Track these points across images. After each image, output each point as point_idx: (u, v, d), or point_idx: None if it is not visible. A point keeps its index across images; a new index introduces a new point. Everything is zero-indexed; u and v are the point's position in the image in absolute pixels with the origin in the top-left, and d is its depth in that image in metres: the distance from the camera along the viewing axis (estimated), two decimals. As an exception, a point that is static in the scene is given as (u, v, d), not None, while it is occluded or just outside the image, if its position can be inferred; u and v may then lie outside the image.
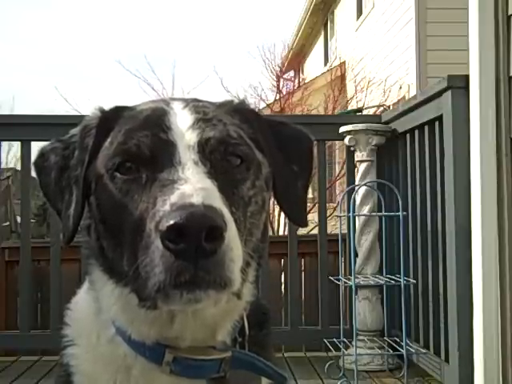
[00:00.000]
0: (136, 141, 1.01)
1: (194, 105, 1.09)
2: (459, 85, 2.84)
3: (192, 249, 0.86)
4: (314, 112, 10.09)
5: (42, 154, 1.13)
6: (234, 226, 0.93)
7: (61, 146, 1.12)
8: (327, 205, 4.23)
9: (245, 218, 1.01)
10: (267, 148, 1.12)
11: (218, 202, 0.91)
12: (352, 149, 3.81)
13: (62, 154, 1.10)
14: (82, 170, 1.06)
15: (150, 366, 1.04)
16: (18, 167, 6.33)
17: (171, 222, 0.86)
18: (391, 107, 7.69)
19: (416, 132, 3.46)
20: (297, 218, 1.15)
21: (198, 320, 1.02)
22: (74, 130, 1.14)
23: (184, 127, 1.03)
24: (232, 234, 0.91)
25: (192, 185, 0.92)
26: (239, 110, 1.14)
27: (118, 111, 1.11)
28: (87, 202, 1.08)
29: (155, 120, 1.04)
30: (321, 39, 17.43)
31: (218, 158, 1.01)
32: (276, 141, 1.15)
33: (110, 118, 1.10)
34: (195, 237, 0.86)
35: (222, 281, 0.90)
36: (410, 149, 3.57)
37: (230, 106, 1.15)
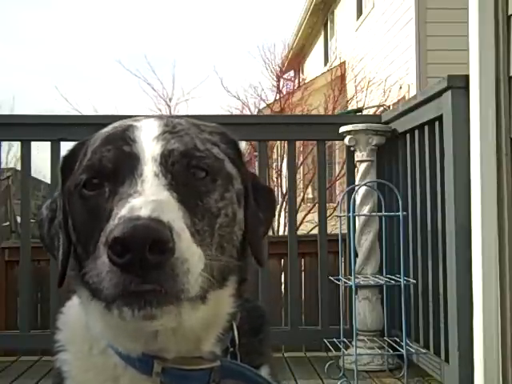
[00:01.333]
0: (99, 155, 1.03)
1: (167, 120, 1.10)
2: (459, 85, 2.84)
3: (137, 262, 0.87)
4: (314, 112, 10.09)
5: (40, 213, 1.19)
6: (187, 237, 0.92)
7: (50, 201, 1.19)
8: (327, 205, 4.23)
9: (212, 229, 1.01)
10: (246, 180, 1.14)
11: (168, 214, 0.91)
12: (352, 149, 3.81)
13: (51, 208, 1.17)
14: (61, 215, 1.11)
15: (140, 377, 1.06)
16: (18, 167, 6.34)
17: (114, 235, 0.87)
18: (391, 107, 7.69)
19: (416, 132, 3.46)
20: (259, 257, 1.16)
21: (179, 334, 1.03)
22: None
23: (149, 139, 1.04)
24: (185, 246, 0.91)
25: (144, 197, 0.93)
26: (224, 134, 1.16)
27: (80, 143, 1.14)
28: (67, 229, 1.11)
29: (120, 134, 1.06)
30: (321, 39, 17.43)
31: (180, 170, 1.01)
32: (252, 185, 1.17)
33: (73, 153, 1.13)
34: (138, 249, 0.86)
35: (173, 293, 0.90)
36: (410, 149, 3.57)
37: (215, 128, 1.16)
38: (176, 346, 1.04)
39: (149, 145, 1.02)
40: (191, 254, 0.92)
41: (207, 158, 1.05)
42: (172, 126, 1.07)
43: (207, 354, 1.07)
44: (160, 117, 1.13)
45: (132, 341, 1.04)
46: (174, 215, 0.93)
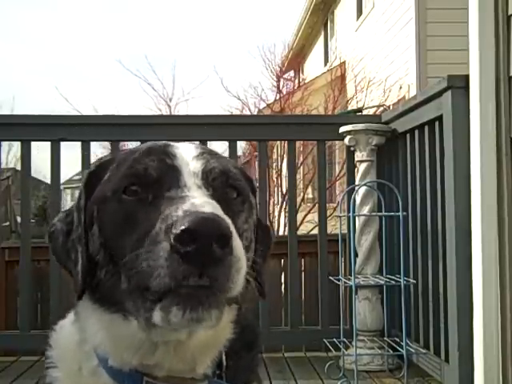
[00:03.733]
0: (144, 164, 1.06)
1: (200, 145, 1.19)
2: (459, 85, 2.84)
3: (201, 253, 0.88)
4: (314, 112, 10.07)
5: (52, 225, 1.19)
6: (238, 238, 0.95)
7: (64, 214, 1.19)
8: (327, 205, 4.23)
9: None
10: (257, 216, 1.19)
11: (225, 216, 0.95)
12: (352, 149, 3.81)
13: (66, 221, 1.17)
14: (82, 229, 1.11)
15: None
16: (18, 167, 6.34)
17: (186, 225, 0.88)
18: (391, 107, 7.69)
19: (416, 132, 3.46)
20: (260, 288, 1.18)
21: (178, 352, 1.05)
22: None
23: (189, 157, 1.08)
24: (238, 246, 0.94)
25: (201, 199, 0.97)
26: (242, 170, 1.21)
27: (107, 161, 1.17)
28: (87, 239, 1.11)
29: (161, 149, 1.10)
30: (321, 39, 17.43)
31: (219, 186, 1.06)
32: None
33: (99, 170, 1.15)
34: (206, 241, 0.88)
35: (223, 290, 0.92)
36: (410, 149, 3.57)
37: (236, 164, 1.21)
38: (170, 364, 1.05)
39: (190, 161, 1.07)
40: (242, 254, 0.95)
41: (240, 181, 1.11)
42: (208, 150, 1.14)
43: (199, 375, 1.08)
44: (192, 143, 1.19)
45: (130, 352, 1.05)
46: (226, 218, 0.96)
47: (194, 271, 0.88)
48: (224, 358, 1.12)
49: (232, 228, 0.93)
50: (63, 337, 1.17)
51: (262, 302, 3.76)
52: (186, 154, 1.09)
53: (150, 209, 0.99)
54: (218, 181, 1.06)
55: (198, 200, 0.96)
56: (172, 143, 1.13)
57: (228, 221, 0.93)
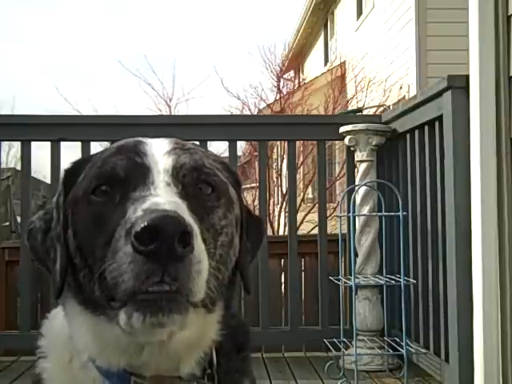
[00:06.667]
0: (112, 164, 1.05)
1: (176, 140, 1.14)
2: (459, 85, 2.84)
3: (163, 251, 0.88)
4: (314, 112, 10.07)
5: (30, 223, 1.18)
6: (200, 239, 0.94)
7: (43, 212, 1.18)
8: (327, 205, 4.23)
9: (215, 245, 1.03)
10: (242, 210, 1.16)
11: (186, 215, 0.94)
12: (352, 149, 3.81)
13: (44, 219, 1.15)
14: (61, 227, 1.09)
15: None
16: (18, 167, 6.33)
17: (146, 223, 0.87)
18: (391, 107, 7.69)
19: (416, 132, 3.46)
20: (247, 284, 1.18)
21: (164, 352, 1.04)
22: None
23: (160, 154, 1.06)
24: (199, 246, 0.93)
25: (163, 197, 0.96)
26: (225, 164, 1.19)
27: (84, 159, 1.16)
28: (66, 240, 1.10)
29: (131, 147, 1.09)
30: (321, 39, 17.43)
31: (190, 182, 1.04)
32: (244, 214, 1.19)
33: (75, 168, 1.14)
34: (168, 238, 0.87)
35: (185, 292, 0.91)
36: (410, 149, 3.57)
37: (217, 157, 1.19)
38: (157, 363, 1.05)
39: (160, 158, 1.05)
40: (203, 257, 0.94)
41: (215, 176, 1.08)
42: (182, 145, 1.11)
43: (185, 374, 1.08)
44: (167, 137, 1.16)
45: (117, 354, 1.04)
46: (189, 218, 0.95)
47: (156, 269, 0.88)
48: (215, 356, 1.12)
49: (195, 227, 0.92)
50: (55, 326, 1.16)
51: (261, 301, 3.76)
52: (157, 150, 1.07)
53: (117, 210, 0.98)
54: (189, 177, 1.04)
55: (160, 198, 0.95)
56: (145, 139, 1.11)
57: (190, 220, 0.92)
